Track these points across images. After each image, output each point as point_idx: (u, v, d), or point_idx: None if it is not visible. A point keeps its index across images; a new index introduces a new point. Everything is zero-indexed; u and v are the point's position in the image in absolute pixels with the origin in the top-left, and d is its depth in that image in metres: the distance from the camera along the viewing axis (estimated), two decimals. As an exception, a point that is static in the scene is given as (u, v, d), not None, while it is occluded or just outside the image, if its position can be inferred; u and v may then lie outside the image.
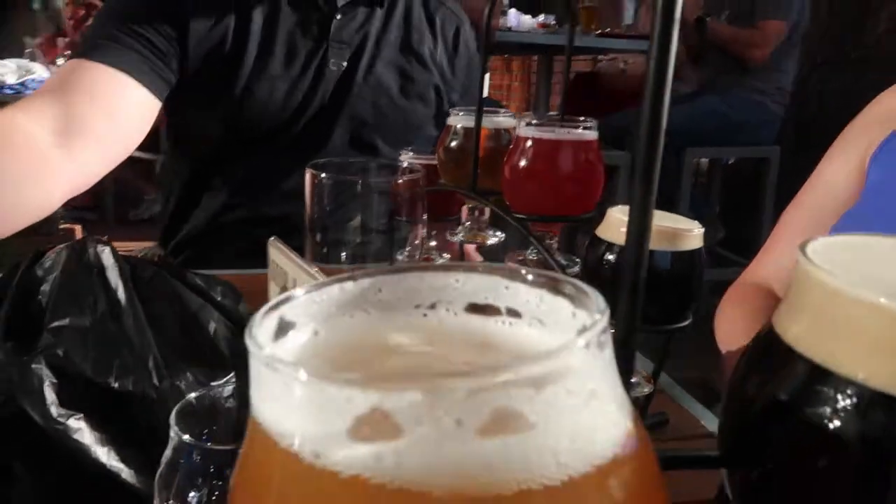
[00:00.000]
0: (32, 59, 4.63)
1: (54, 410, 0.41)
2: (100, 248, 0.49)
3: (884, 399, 0.16)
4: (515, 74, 6.10)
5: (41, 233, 4.07)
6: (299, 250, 0.64)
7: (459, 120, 0.74)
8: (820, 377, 0.19)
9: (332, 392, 0.12)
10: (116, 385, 0.43)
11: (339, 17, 1.17)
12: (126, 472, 0.43)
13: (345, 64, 1.18)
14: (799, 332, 0.19)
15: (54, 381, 0.42)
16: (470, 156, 0.71)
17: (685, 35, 3.33)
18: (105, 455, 0.42)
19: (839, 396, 0.17)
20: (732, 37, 3.10)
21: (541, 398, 0.12)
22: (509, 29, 3.22)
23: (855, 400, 0.17)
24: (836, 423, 0.17)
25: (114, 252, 0.49)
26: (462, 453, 0.12)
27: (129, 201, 4.83)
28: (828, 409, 0.18)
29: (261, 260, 0.59)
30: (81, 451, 0.42)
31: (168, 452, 0.39)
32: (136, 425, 0.43)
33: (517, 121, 0.67)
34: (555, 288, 0.17)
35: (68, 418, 0.42)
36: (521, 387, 0.12)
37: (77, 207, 4.81)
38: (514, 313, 0.17)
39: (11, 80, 4.19)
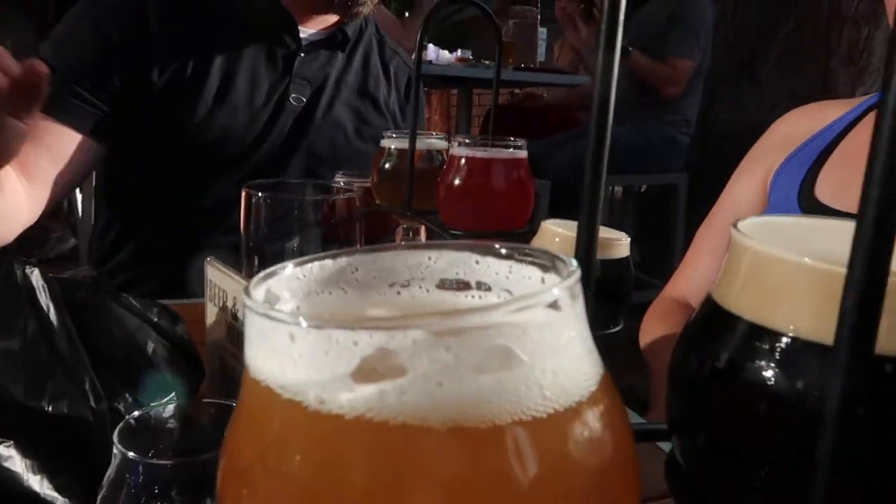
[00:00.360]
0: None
1: (-17, 437, 0.39)
2: (28, 269, 0.47)
3: (815, 347, 0.18)
4: (435, 108, 6.21)
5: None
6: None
7: (393, 142, 0.76)
8: (756, 334, 0.20)
9: (340, 336, 0.13)
10: (50, 409, 0.42)
11: (303, 55, 1.20)
12: (60, 501, 0.41)
13: (304, 100, 1.21)
14: (735, 297, 0.21)
15: (-17, 406, 0.40)
16: (404, 176, 0.72)
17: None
18: (38, 483, 0.40)
19: (775, 351, 0.19)
20: (651, 70, 3.29)
21: (530, 337, 0.13)
22: (430, 62, 3.29)
23: (789, 352, 0.19)
24: (774, 375, 0.19)
25: (43, 273, 0.48)
26: (461, 388, 0.13)
27: (33, 240, 4.58)
28: (765, 364, 0.20)
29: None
30: (12, 480, 0.40)
31: (111, 473, 0.37)
32: (71, 450, 0.42)
33: (451, 141, 0.69)
34: (524, 258, 0.18)
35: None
36: (511, 325, 0.13)
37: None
38: (483, 287, 0.19)
39: None
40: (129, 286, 1.16)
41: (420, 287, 0.19)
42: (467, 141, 0.65)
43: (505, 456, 0.13)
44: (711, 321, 0.22)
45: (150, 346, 0.49)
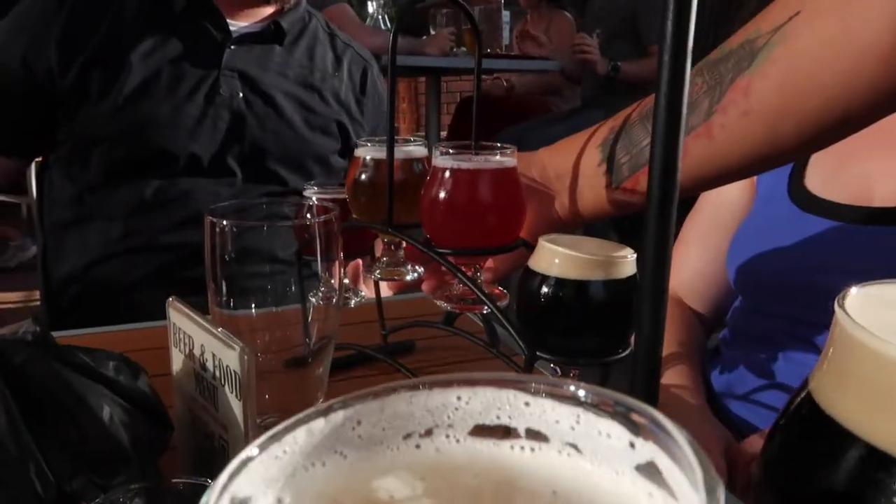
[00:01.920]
0: None
1: None
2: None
3: None
4: (403, 96, 6.11)
5: None
6: (199, 282, 0.58)
7: (368, 151, 0.70)
8: (877, 461, 0.16)
9: None
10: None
11: (232, 47, 1.20)
12: None
13: (240, 94, 1.20)
14: (846, 406, 0.16)
15: None
16: (382, 189, 0.67)
17: (566, 71, 3.48)
18: None
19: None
20: (641, 73, 3.28)
21: None
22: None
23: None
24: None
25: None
26: None
27: (-8, 250, 4.42)
28: (881, 490, 0.15)
29: (162, 293, 0.55)
30: None
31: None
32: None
33: (432, 150, 0.64)
34: (599, 407, 0.12)
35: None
36: None
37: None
38: (539, 437, 0.13)
39: None
40: (81, 303, 1.16)
41: (447, 436, 0.14)
42: (450, 151, 0.59)
43: None
44: (817, 429, 0.17)
45: (106, 411, 0.43)
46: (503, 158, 0.61)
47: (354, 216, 0.72)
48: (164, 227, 1.17)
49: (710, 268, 1.12)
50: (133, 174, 1.16)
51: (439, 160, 0.60)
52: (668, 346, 1.11)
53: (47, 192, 1.25)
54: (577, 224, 0.67)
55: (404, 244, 0.73)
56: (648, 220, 0.26)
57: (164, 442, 0.49)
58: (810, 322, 0.89)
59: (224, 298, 0.57)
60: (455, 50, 3.36)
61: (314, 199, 0.74)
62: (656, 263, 0.21)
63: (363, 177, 0.70)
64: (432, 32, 3.29)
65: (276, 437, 0.12)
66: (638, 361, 0.18)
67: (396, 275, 0.74)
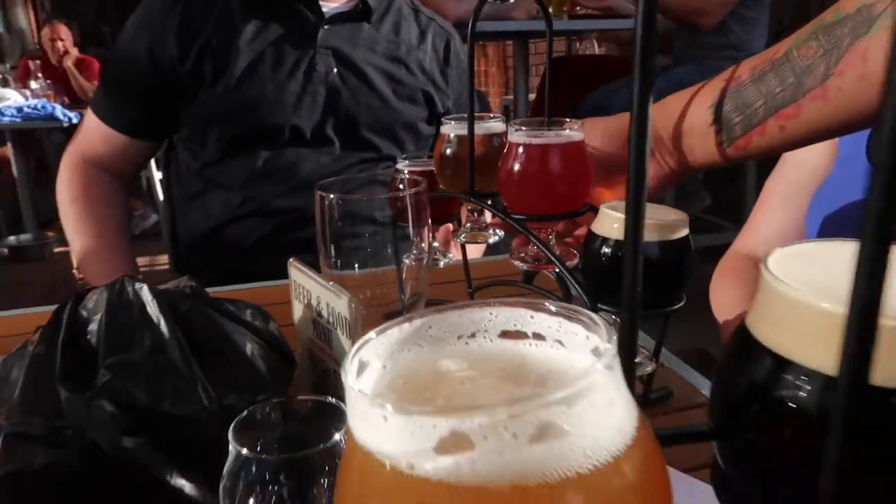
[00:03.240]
0: (5, 85, 4.64)
1: (120, 439, 0.46)
2: (137, 285, 0.53)
3: (832, 381, 0.21)
4: (491, 60, 6.13)
5: (33, 258, 4.07)
6: (310, 241, 0.69)
7: (452, 128, 0.78)
8: (784, 367, 0.23)
9: (422, 421, 0.16)
10: (172, 411, 0.48)
11: (326, 27, 1.30)
12: (188, 487, 0.47)
13: (334, 70, 1.29)
14: (766, 333, 0.24)
15: (116, 413, 0.46)
16: (464, 161, 0.75)
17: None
18: (169, 474, 0.47)
19: (799, 381, 0.22)
20: (680, 6, 3.16)
21: (572, 412, 0.17)
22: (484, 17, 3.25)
23: (811, 383, 0.22)
24: (797, 400, 0.22)
25: (151, 289, 0.53)
26: (519, 457, 0.16)
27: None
28: (790, 391, 0.22)
29: (276, 252, 0.65)
30: (148, 473, 0.46)
31: (229, 465, 0.43)
32: (192, 445, 0.48)
33: (508, 126, 0.72)
34: (570, 317, 0.21)
35: (133, 444, 0.46)
36: (558, 405, 0.16)
37: (68, 230, 4.81)
38: (539, 337, 0.22)
39: (-13, 108, 4.20)
40: (206, 264, 1.32)
41: (484, 338, 0.22)
42: (523, 127, 0.67)
43: (559, 504, 0.16)
44: (746, 349, 0.24)
45: (248, 347, 0.54)
46: (571, 133, 0.68)
47: (441, 187, 0.81)
48: (275, 194, 1.29)
49: (790, 229, 1.13)
50: (245, 148, 1.30)
51: (514, 136, 0.68)
52: (746, 306, 1.14)
53: (173, 169, 1.42)
54: (691, 174, 0.74)
55: (486, 212, 0.81)
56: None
57: (290, 375, 0.61)
58: None
59: (332, 260, 0.68)
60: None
61: (406, 171, 0.84)
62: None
63: (448, 151, 0.79)
64: (518, -4, 3.28)
65: (382, 331, 0.22)
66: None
67: (479, 238, 0.83)
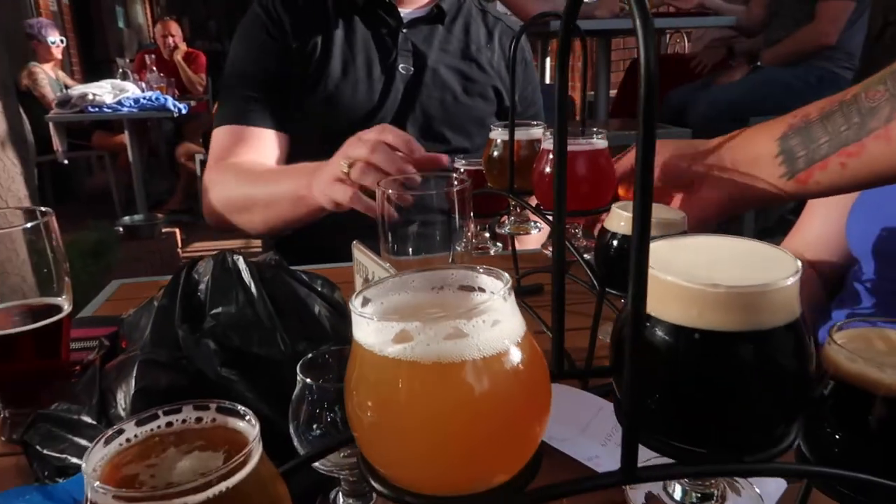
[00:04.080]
0: (124, 78, 5.10)
1: (221, 370, 0.61)
2: (235, 257, 0.69)
3: (682, 329, 0.32)
4: (577, 55, 6.13)
5: (144, 236, 4.45)
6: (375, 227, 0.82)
7: (498, 134, 0.91)
8: (652, 321, 0.35)
9: (386, 324, 0.29)
10: (257, 351, 0.63)
11: (405, 30, 1.46)
12: (266, 409, 0.62)
13: (412, 69, 1.45)
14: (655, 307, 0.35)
15: (217, 350, 0.62)
16: (507, 163, 0.87)
17: (741, 26, 3.37)
18: (253, 399, 0.62)
19: (664, 332, 0.33)
20: (795, 49, 3.10)
21: (470, 324, 0.29)
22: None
23: (675, 334, 0.33)
24: (669, 345, 0.33)
25: (245, 260, 0.69)
26: (437, 347, 0.29)
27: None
28: (664, 339, 0.34)
29: (351, 235, 0.78)
30: (238, 396, 0.62)
31: (296, 393, 0.58)
32: (271, 378, 0.63)
33: (544, 133, 0.83)
34: (494, 276, 0.33)
35: (228, 374, 0.62)
36: (460, 318, 0.29)
37: (174, 211, 5.24)
38: (481, 290, 0.34)
39: (109, 99, 4.62)
40: (294, 246, 1.45)
41: (451, 290, 0.35)
42: (549, 134, 0.79)
43: (465, 379, 0.29)
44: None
45: (317, 309, 0.69)
46: (597, 141, 0.79)
47: (488, 185, 0.93)
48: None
49: (832, 234, 1.17)
50: (337, 142, 1.44)
51: (546, 143, 0.80)
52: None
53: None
54: (745, 209, 0.77)
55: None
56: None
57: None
58: None
59: (390, 245, 0.82)
60: (626, 10, 3.36)
61: (462, 168, 0.97)
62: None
63: (494, 153, 0.91)
64: (602, -6, 3.33)
65: (379, 283, 0.34)
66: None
67: (521, 230, 0.95)
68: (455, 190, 0.79)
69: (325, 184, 1.11)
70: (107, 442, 0.33)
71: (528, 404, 0.31)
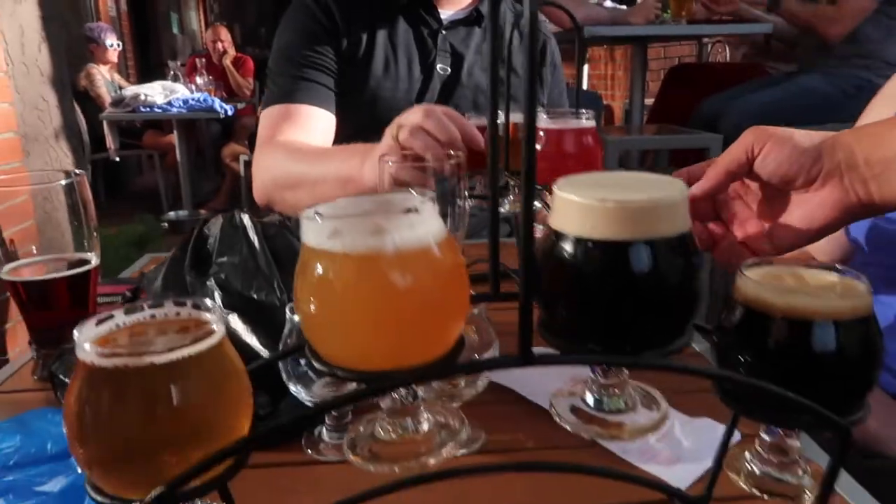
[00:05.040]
0: (175, 80, 5.31)
1: (220, 309, 0.68)
2: (242, 215, 0.76)
3: (580, 240, 0.38)
4: (619, 63, 6.16)
5: (186, 231, 4.62)
6: None
7: (498, 117, 0.96)
8: (558, 236, 0.40)
9: (324, 223, 0.35)
10: (256, 296, 0.70)
11: (444, 32, 1.52)
12: (260, 348, 0.69)
13: (449, 69, 1.51)
14: (550, 216, 0.41)
15: (220, 292, 0.69)
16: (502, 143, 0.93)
17: (776, 32, 3.34)
18: (250, 338, 0.69)
19: (566, 244, 0.38)
20: (808, 16, 3.07)
21: (390, 223, 0.35)
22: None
23: (575, 245, 0.38)
24: (572, 258, 0.38)
25: (251, 217, 0.76)
26: (363, 241, 0.35)
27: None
28: (566, 250, 0.39)
29: None
30: (236, 335, 0.68)
31: (286, 329, 0.64)
32: (266, 320, 0.70)
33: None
34: (424, 195, 0.39)
35: (228, 315, 0.69)
36: (382, 218, 0.35)
37: (218, 211, 5.40)
38: (414, 210, 0.40)
39: (160, 100, 4.83)
40: None
41: (391, 207, 0.41)
42: (545, 116, 0.84)
43: (384, 268, 0.35)
44: (549, 229, 0.41)
45: (314, 264, 0.76)
46: (584, 121, 0.84)
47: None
48: None
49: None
50: (374, 137, 1.48)
51: (539, 124, 0.85)
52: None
53: None
54: (878, 211, 0.64)
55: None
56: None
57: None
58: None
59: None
60: (662, 16, 3.37)
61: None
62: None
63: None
64: (638, 1, 3.36)
65: (334, 203, 0.41)
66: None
67: (518, 206, 1.00)
68: (449, 165, 0.85)
69: (376, 161, 1.15)
70: (98, 323, 0.39)
71: (441, 295, 0.37)
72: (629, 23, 3.29)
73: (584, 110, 0.85)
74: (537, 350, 0.36)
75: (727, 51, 4.94)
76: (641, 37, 3.39)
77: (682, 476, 0.63)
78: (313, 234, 0.36)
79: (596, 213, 0.37)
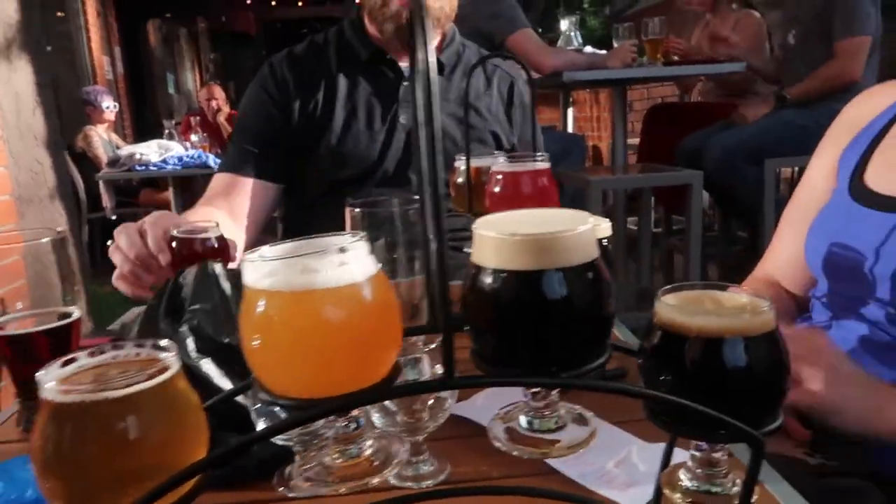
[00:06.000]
0: (170, 138, 5.43)
1: (193, 355, 0.72)
2: (215, 264, 0.80)
3: (495, 271, 0.42)
4: (603, 105, 6.30)
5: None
6: None
7: (461, 163, 1.02)
8: (478, 269, 0.44)
9: (260, 264, 0.39)
10: (227, 341, 0.73)
11: (405, 83, 1.56)
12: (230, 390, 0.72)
13: (413, 119, 1.53)
14: (472, 254, 0.45)
15: (192, 337, 0.73)
16: (470, 188, 0.98)
17: (762, 72, 3.46)
18: (223, 381, 0.72)
19: (486, 277, 0.42)
20: (819, 86, 3.18)
21: (320, 262, 0.39)
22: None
23: (492, 277, 0.42)
24: (490, 288, 0.42)
25: (223, 267, 0.80)
26: (295, 279, 0.39)
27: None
28: (485, 282, 0.43)
29: None
30: (208, 379, 0.72)
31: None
32: (239, 363, 0.73)
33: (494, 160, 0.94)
34: (355, 237, 0.43)
35: (200, 360, 0.72)
36: (310, 259, 0.39)
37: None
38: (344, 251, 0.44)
39: (155, 158, 4.93)
40: None
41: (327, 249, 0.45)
42: (501, 160, 0.89)
43: (314, 304, 0.39)
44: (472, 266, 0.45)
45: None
46: (537, 163, 0.89)
47: (453, 207, 1.04)
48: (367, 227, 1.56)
49: (800, 252, 1.22)
50: (344, 189, 1.53)
51: (494, 167, 0.90)
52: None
53: (282, 210, 1.72)
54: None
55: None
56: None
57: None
58: (856, 297, 1.00)
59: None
60: (639, 60, 3.46)
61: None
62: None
63: (459, 179, 1.02)
64: (615, 45, 3.46)
65: (276, 245, 0.45)
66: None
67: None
68: (413, 210, 0.90)
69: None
70: (63, 365, 0.43)
71: (371, 327, 0.40)
72: (607, 67, 3.39)
73: (539, 153, 0.90)
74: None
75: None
76: (619, 79, 3.49)
77: (634, 499, 0.65)
78: (250, 273, 0.40)
79: (508, 246, 0.41)
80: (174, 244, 0.98)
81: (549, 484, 0.68)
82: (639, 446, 0.74)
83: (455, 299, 0.46)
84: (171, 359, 0.44)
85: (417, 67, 0.37)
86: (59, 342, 0.84)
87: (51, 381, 0.41)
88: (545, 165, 0.88)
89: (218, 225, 1.02)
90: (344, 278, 0.40)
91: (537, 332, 0.41)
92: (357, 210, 0.89)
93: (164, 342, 0.45)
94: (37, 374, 0.41)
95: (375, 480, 0.43)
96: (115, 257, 1.02)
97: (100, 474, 0.40)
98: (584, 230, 0.42)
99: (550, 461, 0.70)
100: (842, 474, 0.83)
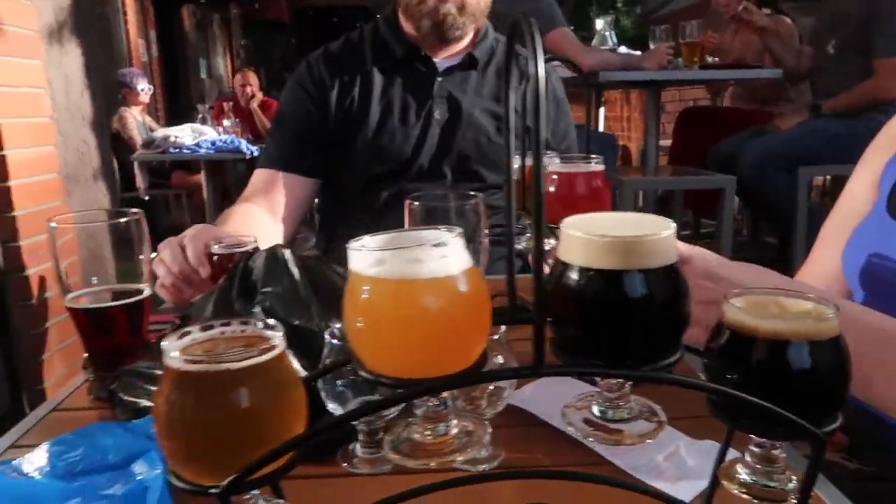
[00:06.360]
0: (203, 122, 5.51)
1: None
2: (284, 250, 0.84)
3: (582, 269, 0.45)
4: (634, 105, 6.29)
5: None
6: None
7: (514, 161, 1.04)
8: (565, 266, 0.47)
9: (369, 253, 0.43)
10: (297, 323, 0.77)
11: (440, 79, 1.58)
12: (301, 370, 0.76)
13: (447, 114, 1.57)
14: (558, 250, 0.48)
15: (264, 318, 0.77)
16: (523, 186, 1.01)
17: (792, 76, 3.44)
18: (293, 360, 0.76)
19: (573, 273, 0.46)
20: (856, 102, 3.17)
21: (425, 255, 0.42)
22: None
23: (579, 274, 0.45)
24: (576, 285, 0.45)
25: (292, 252, 0.84)
26: (401, 269, 0.42)
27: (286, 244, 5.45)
28: (572, 278, 0.46)
29: None
30: (278, 358, 0.76)
31: (325, 352, 0.72)
32: (307, 344, 0.77)
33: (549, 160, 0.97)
34: (452, 231, 0.47)
35: (272, 339, 0.76)
36: (420, 250, 0.42)
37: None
38: (442, 245, 0.47)
39: (188, 141, 5.01)
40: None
41: (424, 242, 0.49)
42: (557, 161, 0.92)
43: (418, 292, 0.42)
44: (558, 261, 0.48)
45: (347, 295, 0.83)
46: (593, 165, 0.91)
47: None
48: (398, 221, 1.58)
49: (837, 262, 1.23)
50: (379, 184, 1.58)
51: (550, 167, 0.93)
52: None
53: (320, 204, 1.76)
54: None
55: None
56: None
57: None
58: (892, 311, 1.02)
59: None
60: (675, 62, 3.45)
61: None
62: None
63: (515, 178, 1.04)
64: (651, 47, 3.46)
65: (377, 235, 0.48)
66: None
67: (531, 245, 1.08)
68: (471, 204, 0.93)
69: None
70: (179, 337, 0.47)
71: (466, 315, 0.44)
72: (643, 68, 3.38)
73: (594, 155, 0.93)
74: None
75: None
76: (655, 81, 3.49)
77: (685, 491, 0.68)
78: (357, 261, 0.44)
79: (596, 247, 0.45)
80: (214, 258, 1.04)
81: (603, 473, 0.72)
82: (686, 442, 0.77)
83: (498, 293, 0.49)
84: (278, 337, 0.48)
85: (529, 79, 0.40)
86: (133, 317, 0.89)
87: (175, 350, 0.45)
88: (600, 167, 0.91)
89: (256, 240, 1.08)
90: (444, 270, 0.43)
91: (619, 327, 0.44)
92: (416, 203, 0.92)
93: (271, 321, 0.49)
94: (162, 344, 0.45)
95: (461, 458, 0.47)
96: (159, 270, 1.08)
97: (213, 438, 0.44)
98: (667, 235, 0.45)
99: (603, 452, 0.74)
100: (879, 479, 0.86)
